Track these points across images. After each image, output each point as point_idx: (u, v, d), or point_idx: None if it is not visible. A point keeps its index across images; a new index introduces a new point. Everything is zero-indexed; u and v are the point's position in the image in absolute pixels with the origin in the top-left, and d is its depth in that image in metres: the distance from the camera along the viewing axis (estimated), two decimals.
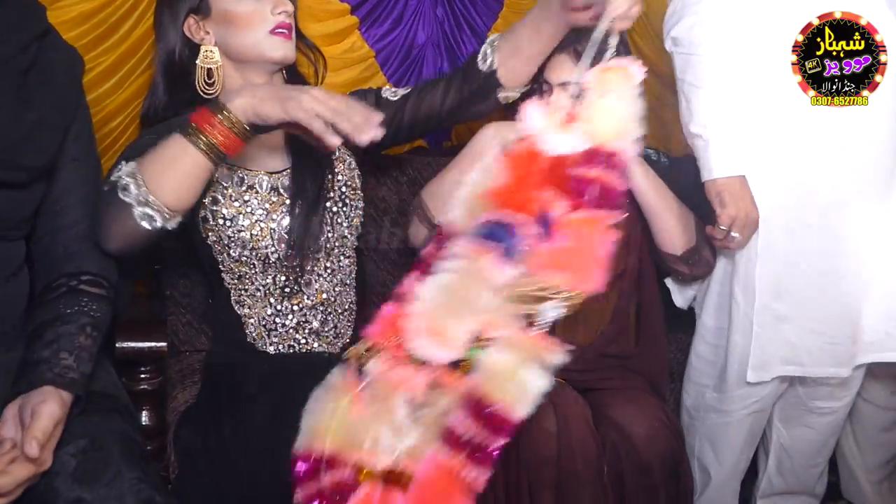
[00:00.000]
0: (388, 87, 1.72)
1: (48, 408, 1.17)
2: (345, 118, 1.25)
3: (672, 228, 1.71)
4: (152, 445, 1.60)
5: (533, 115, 1.40)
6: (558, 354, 1.28)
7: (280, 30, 1.53)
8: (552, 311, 1.27)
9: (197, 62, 1.56)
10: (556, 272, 1.26)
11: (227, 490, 1.49)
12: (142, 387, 1.59)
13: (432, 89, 1.64)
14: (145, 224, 1.29)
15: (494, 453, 1.22)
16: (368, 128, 1.24)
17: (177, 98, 1.60)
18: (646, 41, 2.45)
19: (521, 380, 1.25)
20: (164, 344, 1.56)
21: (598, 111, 1.33)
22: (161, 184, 1.28)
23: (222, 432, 1.51)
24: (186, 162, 1.27)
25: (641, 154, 1.76)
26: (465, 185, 1.49)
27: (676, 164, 1.92)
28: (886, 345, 1.68)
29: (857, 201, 1.62)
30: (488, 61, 1.57)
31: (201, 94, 1.56)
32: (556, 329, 1.71)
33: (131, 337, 1.55)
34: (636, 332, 1.78)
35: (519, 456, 1.50)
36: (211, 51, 1.55)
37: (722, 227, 1.64)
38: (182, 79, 1.58)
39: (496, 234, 1.30)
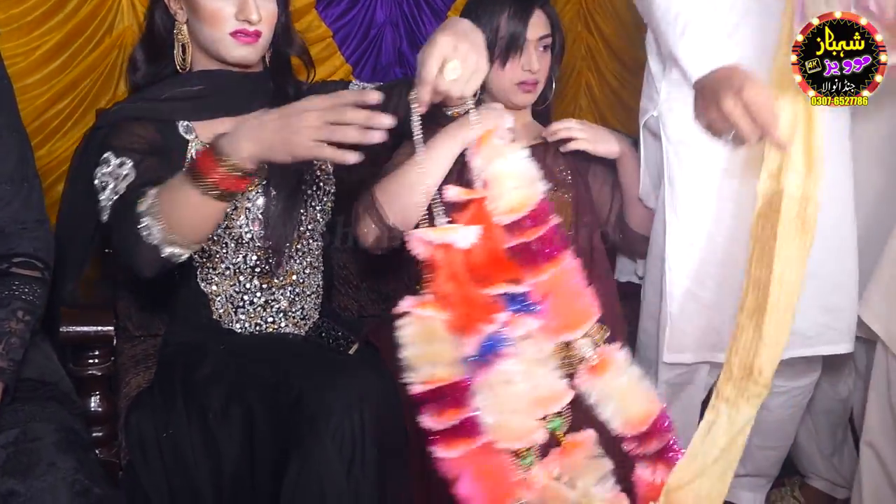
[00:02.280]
0: (354, 81, 1.65)
1: None
2: (343, 131, 1.16)
3: (638, 211, 1.75)
4: (103, 431, 1.51)
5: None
6: None
7: (241, 34, 1.46)
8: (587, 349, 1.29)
9: (174, 35, 1.51)
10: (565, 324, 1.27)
11: (177, 478, 1.43)
12: (90, 372, 1.49)
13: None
14: (173, 258, 1.29)
15: None
16: (376, 122, 1.14)
17: (155, 69, 1.54)
18: (607, 22, 2.39)
19: None
20: (110, 328, 1.47)
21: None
22: (180, 225, 1.25)
23: (173, 419, 1.44)
24: (197, 206, 1.24)
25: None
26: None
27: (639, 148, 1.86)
28: (826, 337, 1.62)
29: None
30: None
31: (178, 68, 1.51)
32: None
33: (76, 321, 1.46)
34: None
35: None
36: (182, 28, 1.50)
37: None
38: (160, 49, 1.52)
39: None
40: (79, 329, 1.45)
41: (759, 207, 1.34)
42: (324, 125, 1.18)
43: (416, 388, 1.18)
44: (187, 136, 1.50)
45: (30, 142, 1.44)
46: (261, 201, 1.49)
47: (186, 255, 1.31)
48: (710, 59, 1.35)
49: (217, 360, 1.48)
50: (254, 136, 1.21)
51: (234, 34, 1.46)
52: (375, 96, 1.16)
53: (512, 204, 1.23)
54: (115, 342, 1.75)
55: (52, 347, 1.40)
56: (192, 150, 1.48)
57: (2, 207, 1.29)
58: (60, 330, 1.44)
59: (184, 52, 1.51)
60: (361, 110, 1.16)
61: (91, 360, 1.50)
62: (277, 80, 1.59)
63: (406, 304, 1.18)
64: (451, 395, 1.18)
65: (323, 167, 1.60)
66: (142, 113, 1.47)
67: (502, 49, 1.65)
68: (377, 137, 1.15)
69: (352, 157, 1.17)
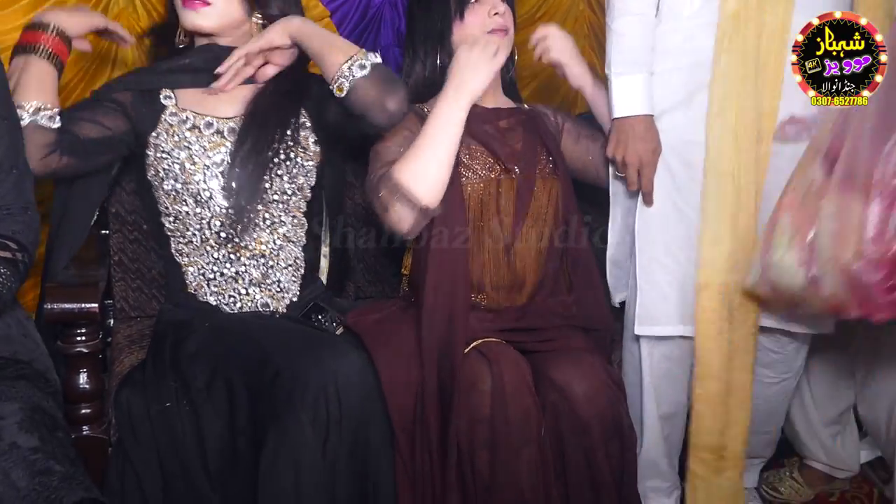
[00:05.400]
0: None
1: None
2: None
3: None
4: (91, 408, 1.48)
5: None
6: None
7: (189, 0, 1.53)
8: None
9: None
10: None
11: (167, 454, 1.41)
12: (78, 349, 1.45)
13: None
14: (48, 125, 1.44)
15: None
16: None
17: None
18: None
19: None
20: (94, 305, 1.42)
21: None
22: (24, 91, 1.44)
23: (163, 395, 1.43)
24: (34, 70, 1.46)
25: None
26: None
27: None
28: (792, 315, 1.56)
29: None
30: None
31: (176, 45, 1.63)
32: (497, 293, 1.62)
33: (61, 298, 1.41)
34: (568, 279, 1.68)
35: (454, 415, 1.40)
36: None
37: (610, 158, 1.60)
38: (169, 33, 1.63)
39: None
40: (63, 306, 1.41)
41: None
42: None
43: None
44: (165, 102, 1.56)
45: (21, 130, 1.41)
46: (219, 158, 1.52)
47: (54, 117, 1.45)
48: (632, 104, 1.54)
49: (201, 338, 1.46)
50: (57, 11, 1.54)
51: (184, 2, 1.54)
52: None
53: None
54: (106, 320, 1.75)
55: (34, 325, 1.36)
56: (166, 113, 1.55)
57: None
58: (45, 307, 1.41)
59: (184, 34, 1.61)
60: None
61: (79, 338, 1.46)
62: None
63: None
64: None
65: (301, 142, 1.58)
66: (128, 86, 1.58)
67: (458, 1, 1.61)
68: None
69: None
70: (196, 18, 1.54)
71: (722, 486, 1.62)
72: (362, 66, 1.45)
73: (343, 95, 1.46)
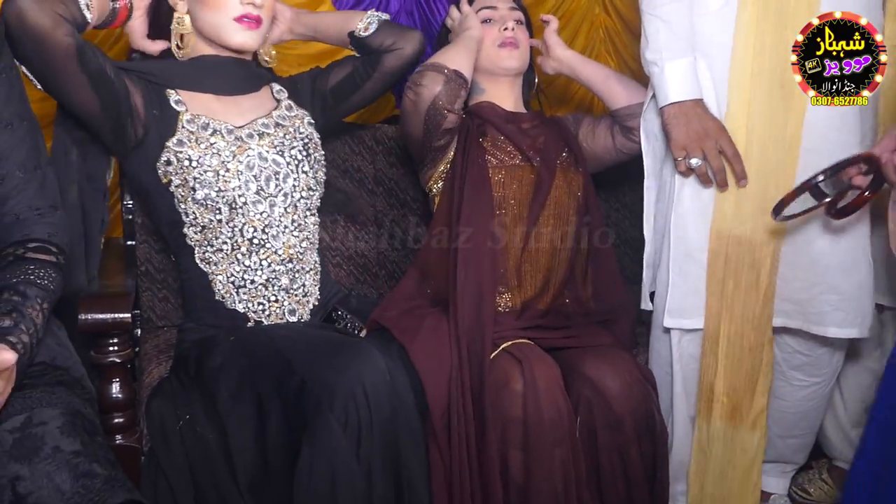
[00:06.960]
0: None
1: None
2: None
3: (619, 87, 1.76)
4: (124, 418, 1.49)
5: None
6: None
7: (246, 19, 1.51)
8: None
9: (171, 26, 1.56)
10: None
11: (198, 464, 1.42)
12: (110, 359, 1.47)
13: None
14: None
15: None
16: None
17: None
18: (624, 2, 2.30)
19: None
20: (127, 315, 1.44)
21: None
22: None
23: (192, 406, 1.44)
24: None
25: None
26: None
27: None
28: (830, 318, 1.55)
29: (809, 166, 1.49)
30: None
31: (175, 53, 1.58)
32: (519, 285, 1.64)
33: (94, 309, 1.43)
34: (584, 274, 1.71)
35: (488, 415, 1.41)
36: (182, 18, 1.55)
37: (677, 158, 1.54)
38: (158, 34, 1.58)
39: None
40: (97, 317, 1.43)
41: None
42: None
43: None
44: (178, 108, 1.52)
45: (41, 129, 1.43)
46: (249, 161, 1.51)
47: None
48: (686, 88, 1.51)
49: (227, 352, 1.46)
50: None
51: (239, 19, 1.50)
52: None
53: None
54: (135, 330, 1.76)
55: (66, 334, 1.38)
56: (183, 119, 1.50)
57: (16, 195, 1.27)
58: (79, 318, 1.42)
59: (181, 40, 1.56)
60: None
61: (111, 348, 1.48)
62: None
63: None
64: None
65: (311, 137, 1.63)
66: (132, 67, 1.53)
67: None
68: None
69: None
70: (248, 38, 1.53)
71: (737, 446, 1.60)
72: (384, 14, 1.70)
73: (369, 34, 1.66)
